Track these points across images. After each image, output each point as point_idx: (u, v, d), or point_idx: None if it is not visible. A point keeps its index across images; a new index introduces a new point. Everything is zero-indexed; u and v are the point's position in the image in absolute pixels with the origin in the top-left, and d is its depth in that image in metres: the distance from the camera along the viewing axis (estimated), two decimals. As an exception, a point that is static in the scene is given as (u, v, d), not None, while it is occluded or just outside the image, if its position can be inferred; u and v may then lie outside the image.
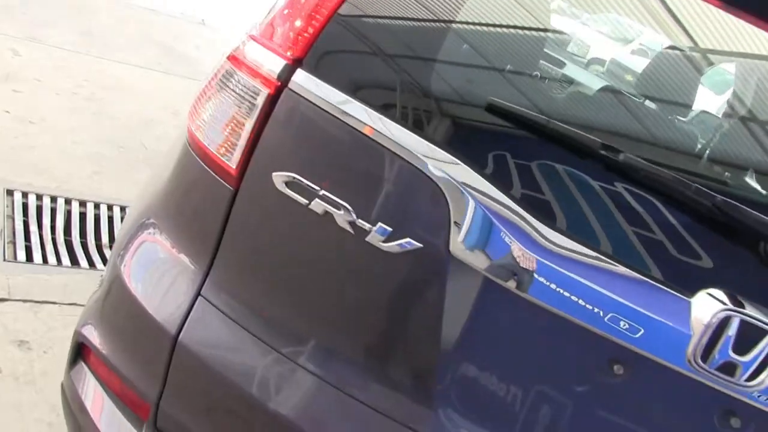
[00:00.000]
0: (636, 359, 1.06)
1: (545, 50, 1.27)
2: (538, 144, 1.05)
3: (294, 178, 1.07)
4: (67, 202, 3.02)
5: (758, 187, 1.10)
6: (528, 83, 1.14)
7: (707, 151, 1.18)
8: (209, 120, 1.20)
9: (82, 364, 1.40)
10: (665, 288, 1.02)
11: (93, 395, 1.36)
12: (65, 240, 2.84)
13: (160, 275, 1.27)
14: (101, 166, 3.37)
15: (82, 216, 3.00)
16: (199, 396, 1.22)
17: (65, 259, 2.72)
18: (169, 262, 1.26)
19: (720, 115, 1.32)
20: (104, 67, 4.49)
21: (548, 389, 1.10)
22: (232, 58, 1.18)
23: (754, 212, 1.01)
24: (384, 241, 1.04)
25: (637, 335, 1.02)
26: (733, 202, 1.00)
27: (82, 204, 3.05)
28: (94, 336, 1.35)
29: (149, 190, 1.39)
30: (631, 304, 1.01)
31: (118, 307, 1.32)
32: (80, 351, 1.40)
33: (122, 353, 1.29)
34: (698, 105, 1.30)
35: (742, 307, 1.00)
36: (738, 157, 1.20)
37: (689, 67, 1.29)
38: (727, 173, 1.12)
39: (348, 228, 1.05)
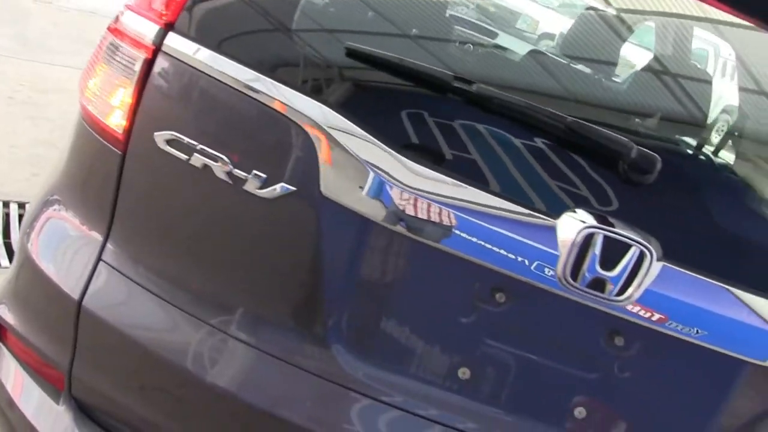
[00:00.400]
0: (516, 286, 1.11)
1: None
2: (400, 84, 1.10)
3: (173, 135, 1.11)
4: (5, 204, 3.01)
5: (612, 109, 1.16)
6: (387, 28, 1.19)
7: (562, 78, 1.24)
8: (97, 91, 1.23)
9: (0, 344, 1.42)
10: (533, 213, 1.07)
11: (12, 374, 1.38)
12: (5, 242, 2.83)
13: (65, 246, 1.30)
14: (40, 167, 3.35)
15: (21, 218, 2.99)
16: (108, 360, 1.25)
17: (4, 261, 2.72)
18: (73, 233, 1.29)
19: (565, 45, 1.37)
20: (41, 70, 4.45)
21: (433, 322, 1.15)
22: (113, 30, 1.21)
23: (608, 131, 1.07)
24: (260, 188, 1.08)
25: (511, 261, 1.07)
26: (585, 122, 1.06)
27: (21, 206, 3.03)
28: (7, 314, 1.37)
29: (52, 170, 1.42)
30: (502, 231, 1.06)
31: (28, 281, 1.34)
32: None
33: (34, 326, 1.31)
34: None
35: (606, 224, 1.06)
36: (592, 81, 1.28)
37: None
38: (581, 96, 1.18)
39: (226, 179, 1.09)
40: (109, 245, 1.23)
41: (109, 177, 1.20)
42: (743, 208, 1.22)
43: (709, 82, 1.73)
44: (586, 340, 1.16)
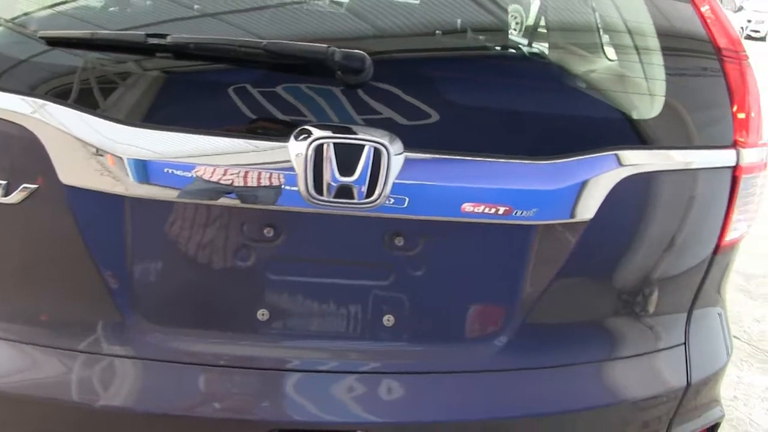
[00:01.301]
0: (279, 217, 1.13)
1: None
2: (103, 57, 1.11)
3: None
4: None
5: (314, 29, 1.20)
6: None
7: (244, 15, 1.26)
8: None
9: None
10: (266, 142, 1.09)
11: None
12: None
13: None
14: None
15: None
16: None
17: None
18: None
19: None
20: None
21: (216, 274, 1.16)
22: None
23: (304, 43, 1.09)
24: (5, 195, 1.09)
25: (262, 194, 1.09)
26: (281, 42, 1.07)
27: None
28: None
29: None
30: (244, 168, 1.08)
31: None
32: None
33: None
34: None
35: (333, 131, 1.08)
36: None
37: None
38: (275, 22, 1.20)
39: None
40: None
41: None
42: (479, 85, 1.25)
43: None
44: (367, 250, 1.18)
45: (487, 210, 1.15)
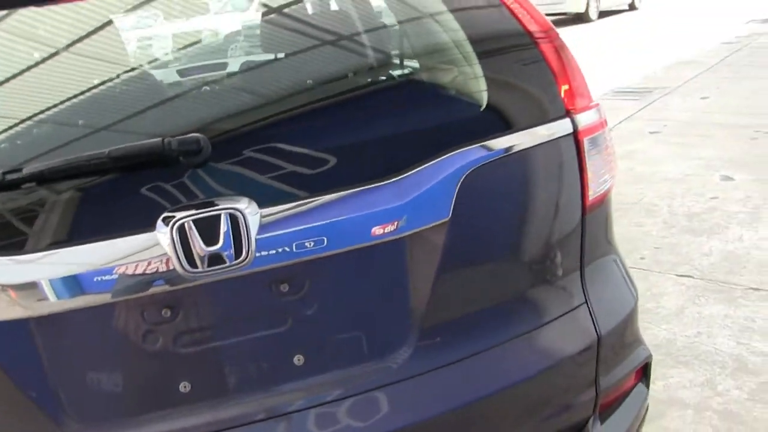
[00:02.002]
0: (171, 297, 1.23)
1: None
2: None
3: None
4: None
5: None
6: None
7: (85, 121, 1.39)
8: None
9: None
10: (138, 235, 1.19)
11: None
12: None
13: None
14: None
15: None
16: None
17: None
18: None
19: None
20: None
21: (131, 359, 1.25)
22: None
23: (142, 141, 1.21)
24: None
25: (148, 282, 1.19)
26: (121, 147, 1.19)
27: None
28: None
29: None
30: (126, 264, 1.18)
31: None
32: None
33: None
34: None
35: (187, 209, 1.19)
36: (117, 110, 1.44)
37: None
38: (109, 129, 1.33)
39: None
40: None
41: None
42: (318, 128, 1.37)
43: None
44: (258, 303, 1.29)
45: (355, 238, 1.27)
